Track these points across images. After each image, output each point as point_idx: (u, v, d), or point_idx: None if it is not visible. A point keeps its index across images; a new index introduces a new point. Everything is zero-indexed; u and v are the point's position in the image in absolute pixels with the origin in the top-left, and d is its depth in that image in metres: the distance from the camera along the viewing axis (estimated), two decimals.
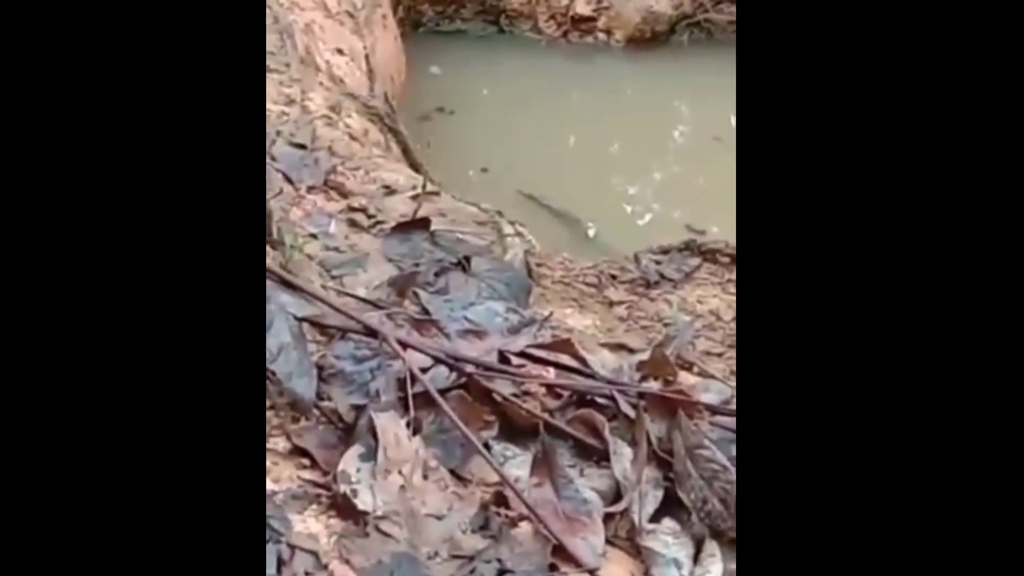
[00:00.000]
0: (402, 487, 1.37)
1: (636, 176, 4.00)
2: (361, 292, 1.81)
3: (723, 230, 2.47)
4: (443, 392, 1.52)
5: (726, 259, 2.31)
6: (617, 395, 1.58)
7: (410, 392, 1.49)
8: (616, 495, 1.46)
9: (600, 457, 1.52)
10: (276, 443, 1.45)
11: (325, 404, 1.50)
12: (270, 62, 2.60)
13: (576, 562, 1.35)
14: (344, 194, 2.19)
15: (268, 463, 1.40)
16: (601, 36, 4.74)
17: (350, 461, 1.39)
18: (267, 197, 1.81)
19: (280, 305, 1.55)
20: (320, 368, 1.53)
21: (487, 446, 1.49)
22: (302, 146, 2.29)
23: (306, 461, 1.44)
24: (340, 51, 3.22)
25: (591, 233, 3.32)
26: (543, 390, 1.62)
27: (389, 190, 2.25)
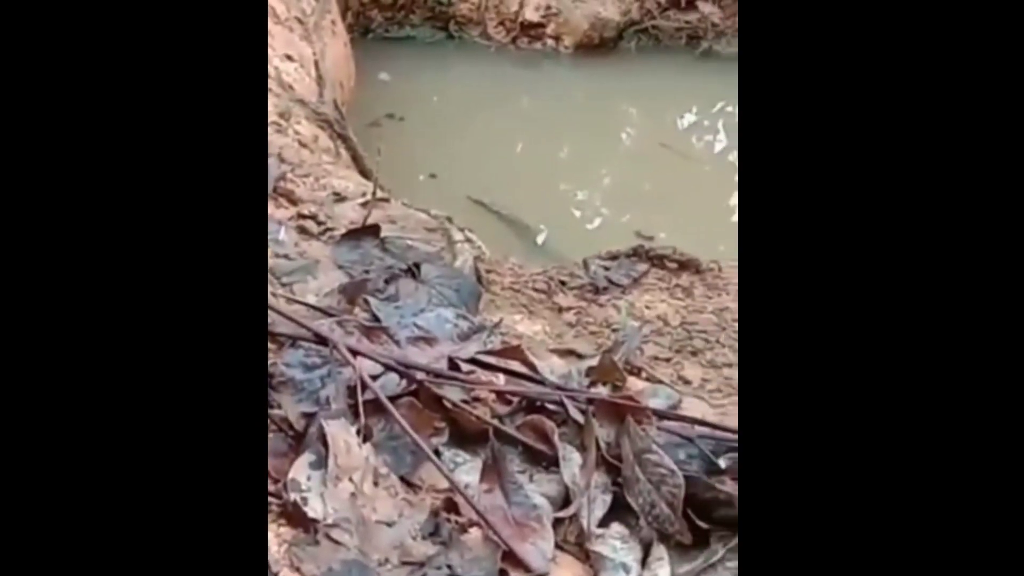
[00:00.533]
0: (352, 494, 1.38)
1: (585, 182, 4.02)
2: (311, 299, 1.81)
3: (671, 235, 2.50)
4: (393, 399, 1.52)
5: (674, 264, 2.33)
6: (566, 401, 1.59)
7: (360, 399, 1.49)
8: (565, 500, 1.47)
9: (549, 463, 1.53)
10: None
11: (275, 412, 1.49)
12: None
13: (526, 567, 1.36)
14: (294, 201, 2.19)
15: None
16: (550, 42, 4.77)
17: (300, 469, 1.39)
18: None
19: None
20: (270, 376, 1.52)
21: (437, 453, 1.49)
22: None
23: None
24: (289, 57, 3.22)
25: (541, 239, 3.34)
26: (493, 396, 1.63)
27: (339, 197, 2.25)
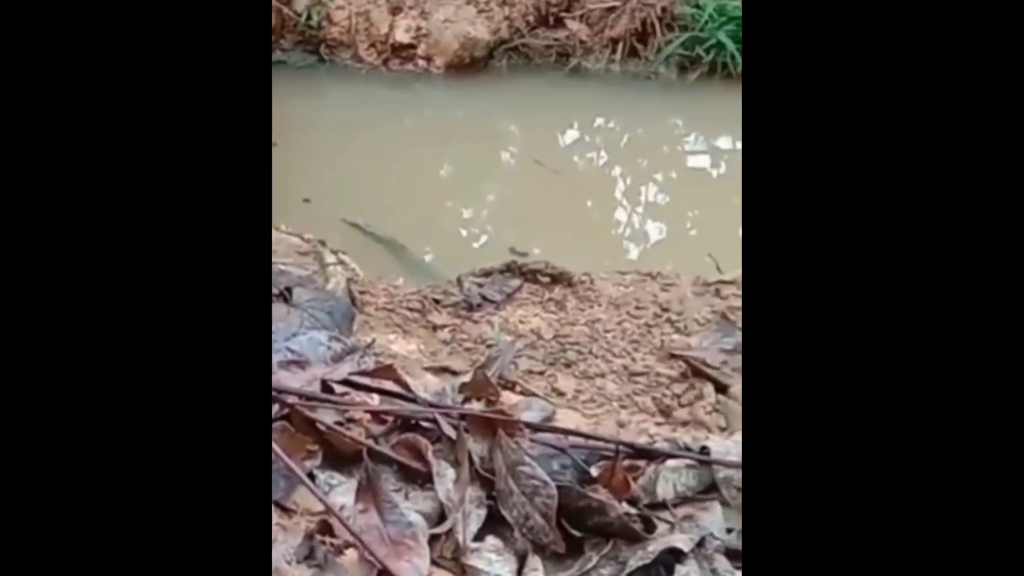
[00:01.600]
0: None
1: (462, 200, 4.05)
2: None
3: (545, 251, 2.53)
4: None
5: (546, 279, 2.37)
6: (439, 418, 1.60)
7: None
8: (440, 516, 1.48)
9: (424, 480, 1.53)
10: None
11: None
12: None
13: None
14: None
15: None
16: (421, 63, 4.79)
17: None
18: None
19: None
20: None
21: (311, 476, 1.48)
22: None
23: None
24: None
25: (418, 258, 3.34)
26: (367, 417, 1.63)
27: None
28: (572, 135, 4.59)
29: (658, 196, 4.20)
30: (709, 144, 4.59)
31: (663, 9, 4.80)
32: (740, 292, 2.30)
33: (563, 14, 4.90)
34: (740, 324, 2.14)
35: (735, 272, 2.46)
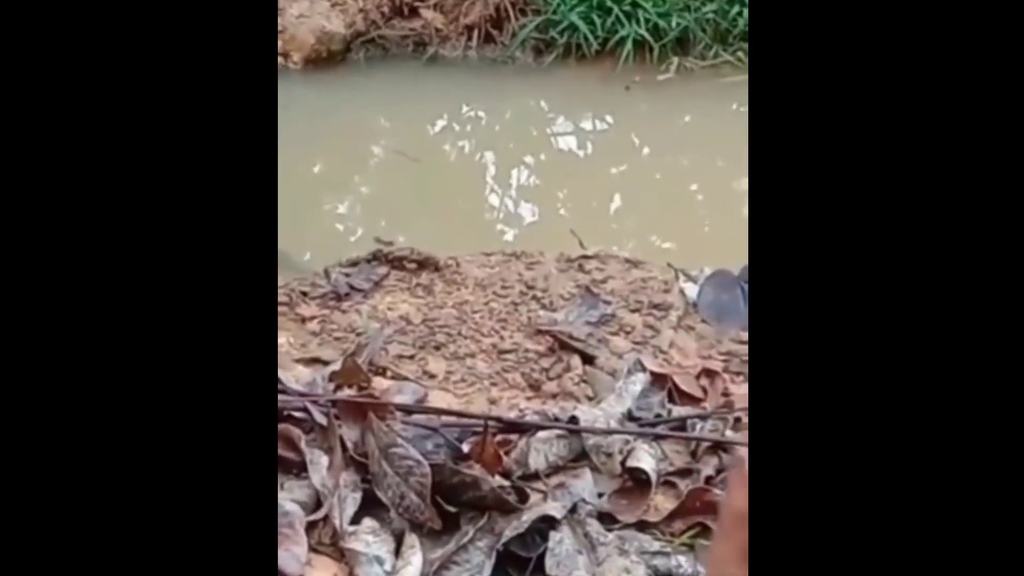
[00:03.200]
0: None
1: (332, 196, 4.02)
2: None
3: (415, 240, 2.54)
4: None
5: (413, 265, 2.37)
6: (310, 406, 1.60)
7: None
8: (317, 503, 1.49)
9: (299, 469, 1.54)
10: None
11: None
12: None
13: (281, 574, 1.36)
14: None
15: None
16: (279, 59, 4.74)
17: None
18: None
19: None
20: None
21: None
22: None
23: None
24: None
25: (295, 259, 3.31)
26: None
27: None
28: (440, 124, 4.60)
29: (529, 179, 4.24)
30: (574, 125, 4.66)
31: None
32: (602, 266, 2.36)
33: (417, 3, 4.91)
34: (603, 297, 2.19)
35: (597, 247, 2.52)
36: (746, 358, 1.99)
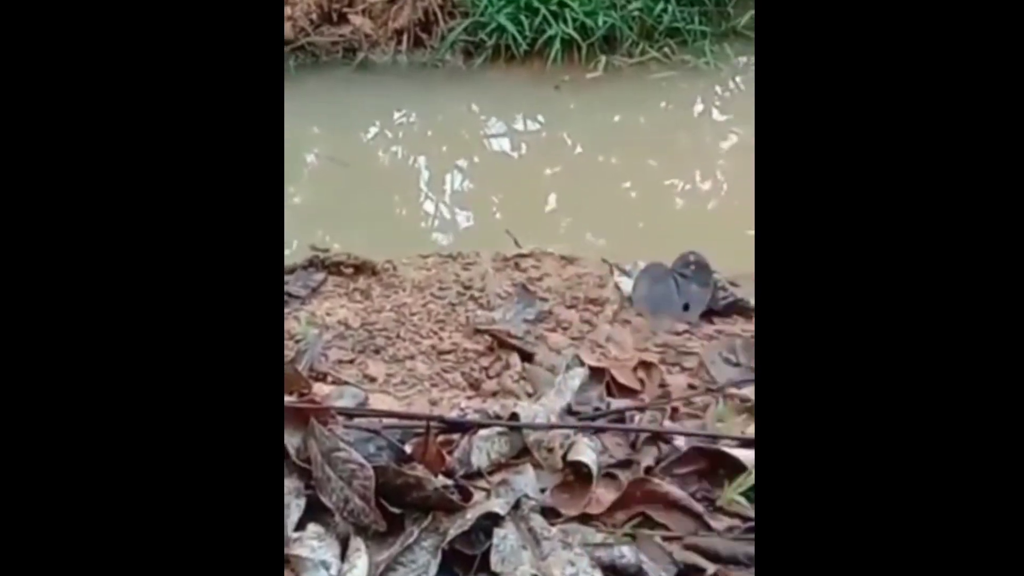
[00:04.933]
0: None
1: None
2: None
3: (344, 246, 2.54)
4: None
5: (350, 269, 2.38)
6: None
7: None
8: None
9: None
10: None
11: None
12: None
13: None
14: None
15: None
16: None
17: None
18: None
19: None
20: None
21: None
22: None
23: None
24: None
25: None
26: None
27: None
28: (372, 130, 4.59)
29: (463, 183, 4.25)
30: (507, 127, 4.68)
31: None
32: (538, 264, 2.38)
33: (346, 9, 4.90)
34: (540, 294, 2.21)
35: (532, 245, 2.53)
36: (682, 349, 2.03)
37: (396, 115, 4.72)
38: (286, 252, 3.66)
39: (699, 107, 4.78)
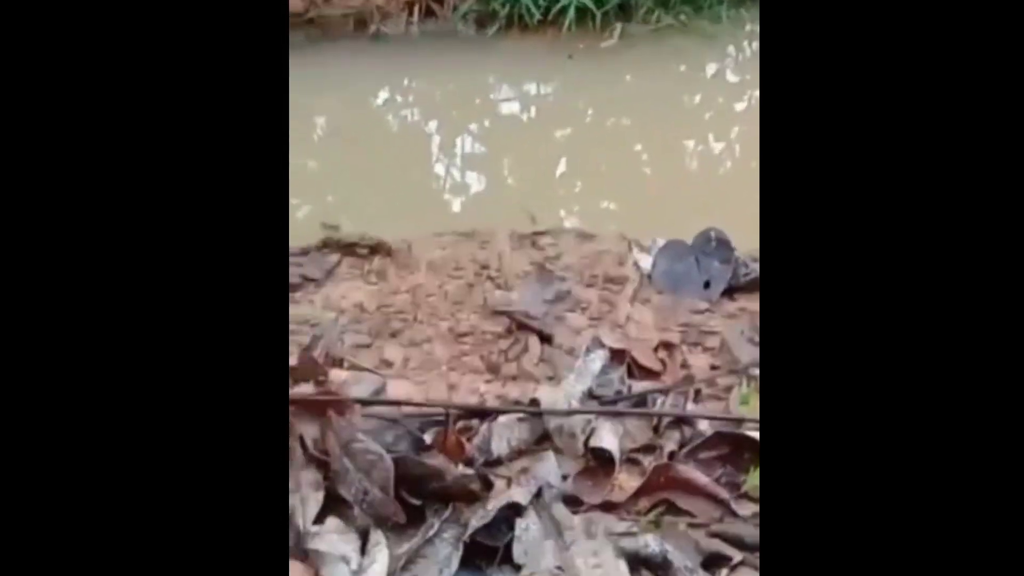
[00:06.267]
0: None
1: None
2: None
3: (356, 217, 2.51)
4: None
5: (365, 251, 2.35)
6: None
7: None
8: None
9: None
10: None
11: None
12: None
13: None
14: None
15: None
16: None
17: None
18: None
19: None
20: None
21: None
22: None
23: None
24: None
25: None
26: None
27: None
28: (382, 96, 4.55)
29: (474, 147, 4.21)
30: (518, 91, 4.62)
31: None
32: (555, 241, 2.34)
33: None
34: (558, 273, 2.18)
35: (546, 214, 2.49)
36: (703, 328, 1.99)
37: (406, 82, 4.67)
38: (299, 227, 3.65)
39: (712, 69, 4.72)
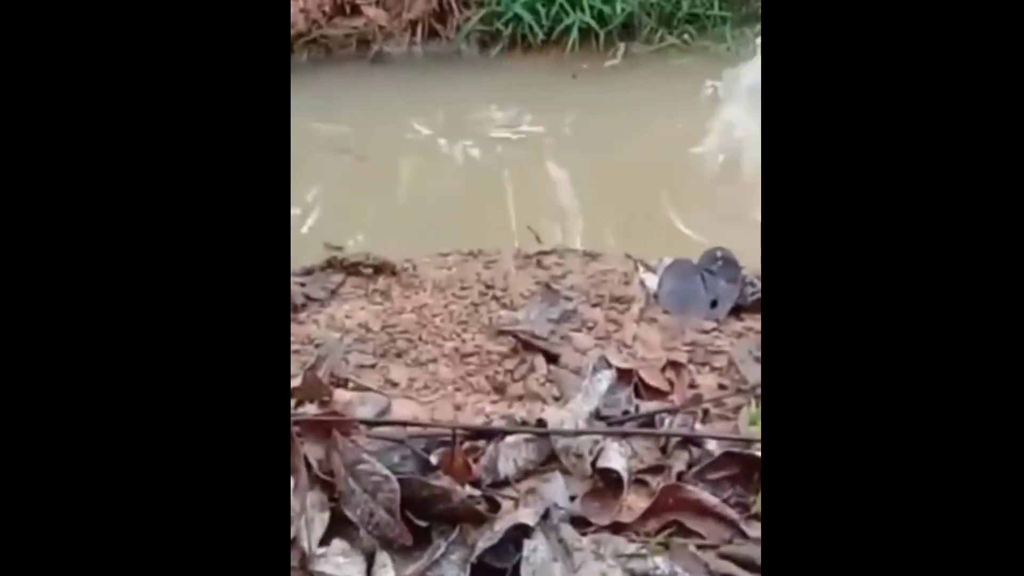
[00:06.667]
0: None
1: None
2: None
3: (359, 243, 2.50)
4: None
5: (369, 270, 2.34)
6: None
7: None
8: None
9: None
10: None
11: None
12: None
13: None
14: None
15: None
16: None
17: None
18: None
19: None
20: None
21: None
22: None
23: None
24: None
25: None
26: None
27: None
28: (387, 122, 4.54)
29: (478, 165, 4.21)
30: (522, 110, 4.63)
31: None
32: (561, 261, 2.33)
33: (359, 1, 4.85)
34: (564, 293, 2.17)
35: (553, 242, 2.49)
36: (710, 347, 1.98)
37: (410, 103, 4.68)
38: (303, 247, 3.64)
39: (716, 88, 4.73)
